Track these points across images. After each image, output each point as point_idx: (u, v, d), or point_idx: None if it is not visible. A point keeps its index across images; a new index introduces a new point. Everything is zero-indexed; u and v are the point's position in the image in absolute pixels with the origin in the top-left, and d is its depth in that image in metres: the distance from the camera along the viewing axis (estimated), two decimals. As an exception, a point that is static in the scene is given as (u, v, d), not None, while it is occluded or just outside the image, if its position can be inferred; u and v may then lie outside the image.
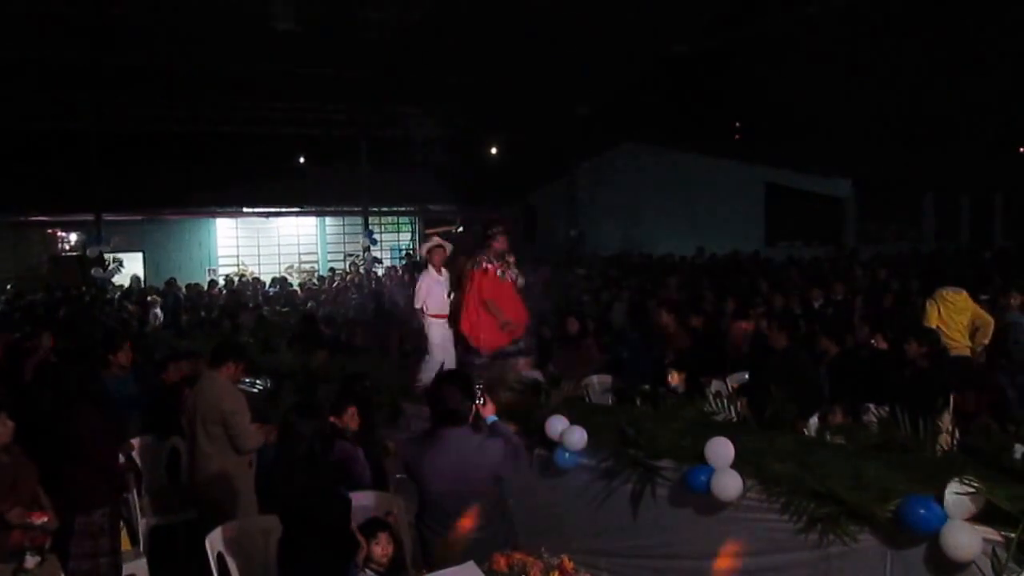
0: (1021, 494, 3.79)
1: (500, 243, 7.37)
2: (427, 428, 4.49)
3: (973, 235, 23.94)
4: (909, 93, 19.58)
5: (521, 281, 7.57)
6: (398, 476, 5.70)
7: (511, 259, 7.46)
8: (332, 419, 6.00)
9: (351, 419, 6.10)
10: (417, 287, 8.01)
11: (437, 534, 4.30)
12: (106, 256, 21.50)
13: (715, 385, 7.97)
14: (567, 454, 5.62)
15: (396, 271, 23.52)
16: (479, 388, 4.56)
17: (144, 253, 25.34)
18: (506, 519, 4.44)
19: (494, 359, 7.42)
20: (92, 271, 20.47)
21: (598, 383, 8.70)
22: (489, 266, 7.32)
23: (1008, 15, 15.90)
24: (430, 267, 7.99)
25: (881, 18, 16.43)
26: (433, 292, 7.88)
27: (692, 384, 7.77)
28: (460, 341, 7.74)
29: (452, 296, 8.00)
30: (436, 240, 8.27)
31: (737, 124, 26.62)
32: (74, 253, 24.64)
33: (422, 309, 7.87)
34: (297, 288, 22.51)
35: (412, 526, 4.95)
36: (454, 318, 7.83)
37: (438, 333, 7.88)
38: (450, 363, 7.62)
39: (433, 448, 4.27)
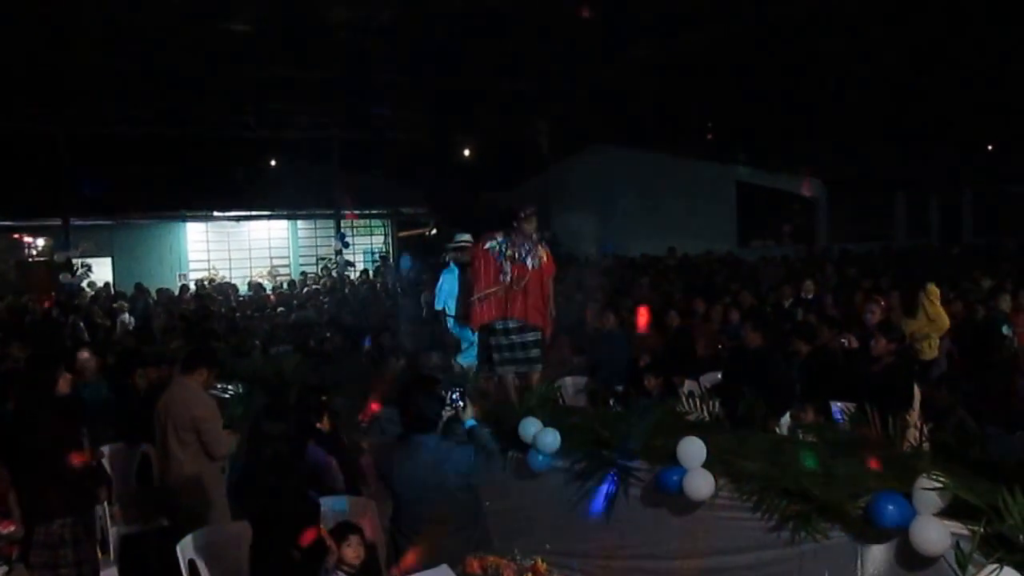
0: (987, 488, 3.83)
1: (529, 226, 6.83)
2: (399, 434, 4.48)
3: (943, 233, 24.23)
4: (879, 93, 19.77)
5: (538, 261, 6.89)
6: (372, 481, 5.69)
7: (536, 238, 6.92)
8: (318, 425, 6.00)
9: (326, 424, 6.10)
10: (438, 287, 7.60)
11: (410, 539, 4.29)
12: (74, 261, 21.25)
13: (688, 385, 8.02)
14: (540, 456, 5.63)
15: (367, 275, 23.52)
16: (459, 391, 4.54)
17: (113, 258, 25.08)
18: (480, 523, 4.44)
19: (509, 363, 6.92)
20: (60, 277, 20.23)
21: (572, 385, 8.71)
22: (490, 243, 6.80)
23: (977, 16, 16.11)
24: (452, 266, 7.56)
25: (851, 19, 16.57)
26: (455, 291, 7.48)
27: (665, 385, 7.80)
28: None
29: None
30: (466, 241, 7.60)
31: (709, 124, 26.75)
32: (42, 259, 24.32)
33: (443, 310, 7.48)
34: (270, 293, 22.35)
35: (386, 530, 4.95)
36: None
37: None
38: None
39: (403, 454, 4.27)
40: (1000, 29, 16.08)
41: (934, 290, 9.06)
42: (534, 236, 6.88)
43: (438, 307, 7.51)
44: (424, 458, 4.22)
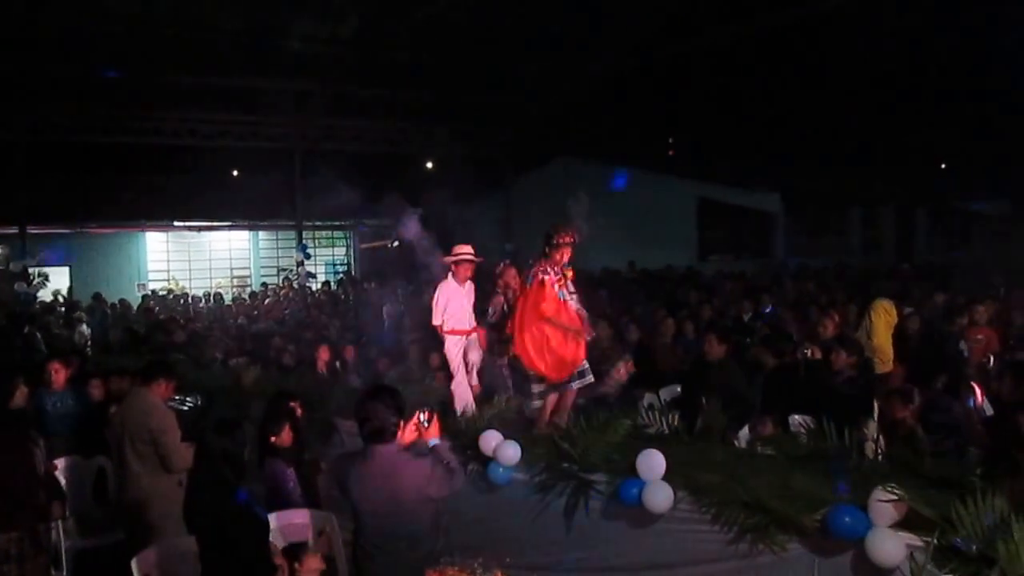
0: (940, 499, 3.90)
1: (563, 255, 6.23)
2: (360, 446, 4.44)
3: (897, 248, 24.64)
4: (836, 112, 20.11)
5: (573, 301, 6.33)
6: (332, 494, 5.64)
7: (569, 273, 6.36)
8: (272, 439, 5.93)
9: (285, 437, 6.03)
10: (435, 300, 7.01)
11: (370, 555, 4.26)
12: (31, 270, 20.90)
13: (648, 398, 8.07)
14: (501, 469, 5.64)
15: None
16: (427, 411, 4.49)
17: (71, 267, 24.70)
18: (441, 536, 4.42)
19: (555, 387, 6.36)
20: (15, 286, 19.87)
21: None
22: (547, 278, 6.18)
23: (932, 37, 16.46)
24: (451, 277, 7.04)
25: (809, 38, 16.85)
26: (453, 304, 6.96)
27: (625, 397, 7.85)
28: (518, 370, 6.63)
29: (495, 314, 7.27)
30: (468, 253, 7.06)
31: (670, 140, 27.00)
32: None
33: (440, 326, 6.95)
34: (230, 303, 22.19)
35: (347, 544, 4.92)
36: (501, 338, 6.98)
37: (457, 351, 6.98)
38: (473, 381, 7.04)
39: (361, 465, 4.24)
40: (953, 49, 16.45)
41: (878, 305, 9.20)
42: (564, 270, 6.29)
43: (436, 322, 7.00)
44: (382, 468, 4.19)
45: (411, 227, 8.20)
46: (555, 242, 6.19)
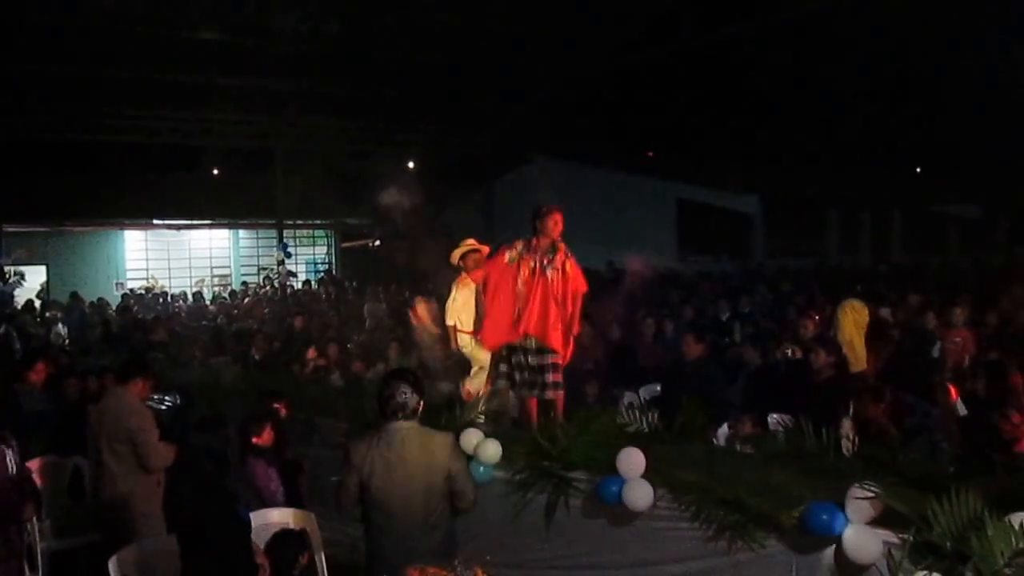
0: (915, 496, 3.94)
1: (555, 222, 6.13)
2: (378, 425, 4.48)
3: (873, 250, 24.87)
4: (815, 115, 20.27)
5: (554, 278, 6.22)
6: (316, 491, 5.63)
7: (561, 246, 6.22)
8: (255, 440, 5.91)
9: (267, 437, 6.02)
10: (450, 300, 6.82)
11: (376, 542, 4.33)
12: (6, 269, 20.71)
13: (628, 396, 8.10)
14: (482, 467, 5.64)
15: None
16: None
17: (48, 266, 24.49)
18: (450, 529, 4.49)
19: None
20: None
21: (515, 396, 8.71)
22: (509, 252, 6.16)
23: (907, 43, 16.62)
24: (465, 276, 6.82)
25: (788, 42, 16.96)
26: (470, 305, 6.75)
27: (605, 395, 7.88)
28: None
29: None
30: (470, 243, 6.91)
31: (649, 141, 27.08)
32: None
33: (455, 326, 6.76)
34: (208, 302, 22.07)
35: (329, 544, 4.93)
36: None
37: (486, 354, 6.67)
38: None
39: (381, 440, 4.31)
40: (929, 54, 16.62)
41: (846, 304, 9.25)
42: (558, 243, 6.22)
43: (449, 323, 6.81)
44: (404, 438, 4.28)
45: (402, 197, 8.18)
46: (542, 212, 6.21)
